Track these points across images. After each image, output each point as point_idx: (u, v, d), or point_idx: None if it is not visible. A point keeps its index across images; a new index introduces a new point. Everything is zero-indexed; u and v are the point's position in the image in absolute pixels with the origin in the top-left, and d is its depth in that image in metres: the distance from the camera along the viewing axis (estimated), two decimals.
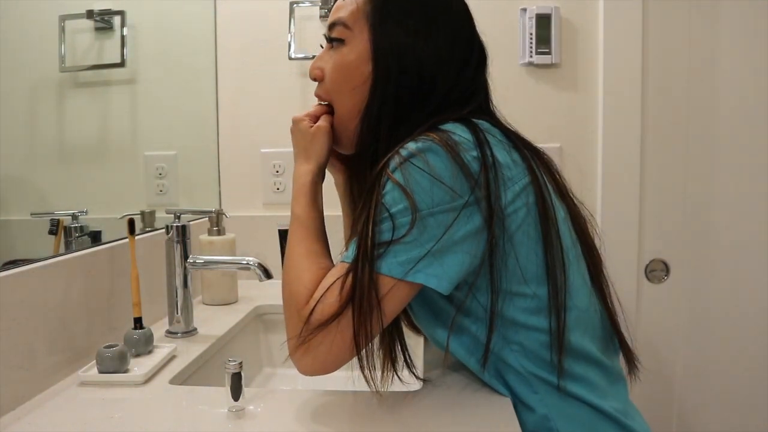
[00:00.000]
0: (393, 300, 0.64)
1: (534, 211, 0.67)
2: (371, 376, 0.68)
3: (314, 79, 0.79)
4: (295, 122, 0.79)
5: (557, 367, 0.68)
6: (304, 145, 0.77)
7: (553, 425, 0.69)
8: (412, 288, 0.65)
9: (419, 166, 0.63)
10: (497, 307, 0.66)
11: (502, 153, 0.67)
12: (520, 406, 0.71)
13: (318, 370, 0.66)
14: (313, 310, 0.65)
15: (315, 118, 0.78)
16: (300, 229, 0.73)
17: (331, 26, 0.76)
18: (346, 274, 0.64)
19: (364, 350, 0.65)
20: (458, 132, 0.66)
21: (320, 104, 0.79)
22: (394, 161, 0.65)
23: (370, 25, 0.72)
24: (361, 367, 0.66)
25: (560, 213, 0.71)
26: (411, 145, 0.64)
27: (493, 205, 0.63)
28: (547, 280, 0.67)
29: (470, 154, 0.64)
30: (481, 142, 0.65)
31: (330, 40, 0.77)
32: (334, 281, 0.65)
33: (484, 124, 0.69)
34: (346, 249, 0.71)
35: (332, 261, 0.73)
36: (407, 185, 0.62)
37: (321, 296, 0.65)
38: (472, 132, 0.66)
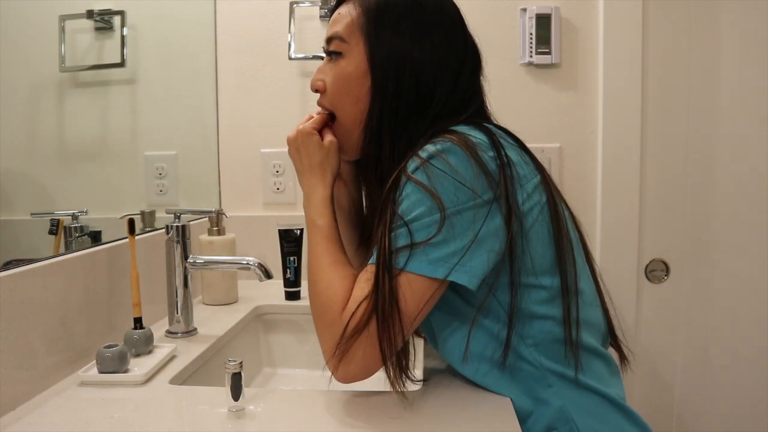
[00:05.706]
0: (426, 300, 0.66)
1: (546, 209, 0.70)
2: (392, 375, 0.69)
3: (316, 91, 0.80)
4: (306, 135, 0.78)
5: (573, 354, 0.70)
6: (320, 159, 0.78)
7: (569, 416, 0.70)
8: (442, 286, 0.67)
9: (440, 167, 0.65)
10: (517, 301, 0.68)
11: (514, 153, 0.69)
12: (535, 403, 0.71)
13: (358, 377, 0.68)
14: (348, 321, 0.66)
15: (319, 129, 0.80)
16: (324, 240, 0.75)
17: (329, 40, 0.78)
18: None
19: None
20: (473, 134, 0.68)
21: (320, 112, 0.80)
22: (414, 163, 0.66)
23: (366, 37, 0.74)
24: (386, 368, 0.68)
25: (565, 212, 0.74)
26: (430, 147, 0.66)
27: (511, 204, 0.65)
28: (558, 272, 0.70)
29: (488, 154, 0.66)
30: (495, 143, 0.68)
31: (328, 53, 0.78)
32: (367, 293, 0.66)
33: (492, 128, 0.72)
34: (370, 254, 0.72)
35: (354, 268, 0.74)
36: (431, 185, 0.64)
37: (356, 308, 0.66)
38: (486, 134, 0.69)
